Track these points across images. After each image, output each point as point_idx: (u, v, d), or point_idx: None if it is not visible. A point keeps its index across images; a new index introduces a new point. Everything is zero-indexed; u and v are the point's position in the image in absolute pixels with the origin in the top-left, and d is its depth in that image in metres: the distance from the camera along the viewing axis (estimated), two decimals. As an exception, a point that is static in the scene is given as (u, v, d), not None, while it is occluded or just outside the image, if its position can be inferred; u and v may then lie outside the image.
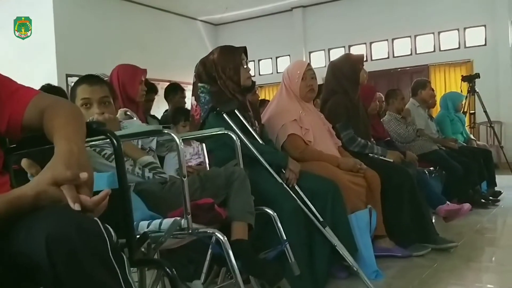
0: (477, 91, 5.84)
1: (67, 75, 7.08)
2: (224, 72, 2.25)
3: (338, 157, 2.57)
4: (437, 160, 3.99)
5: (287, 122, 2.51)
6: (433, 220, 3.18)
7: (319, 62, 9.46)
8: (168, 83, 4.49)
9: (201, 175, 1.79)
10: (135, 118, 2.10)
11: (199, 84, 2.25)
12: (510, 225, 3.58)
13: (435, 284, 2.21)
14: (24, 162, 1.83)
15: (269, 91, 9.94)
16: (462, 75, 6.33)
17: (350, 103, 2.95)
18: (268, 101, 7.45)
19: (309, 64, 2.67)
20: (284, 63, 9.86)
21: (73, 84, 1.86)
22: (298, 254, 1.95)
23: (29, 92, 1.15)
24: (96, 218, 0.86)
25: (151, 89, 3.70)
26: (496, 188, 4.67)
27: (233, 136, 1.93)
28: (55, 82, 6.71)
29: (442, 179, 4.04)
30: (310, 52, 9.57)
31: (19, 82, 1.15)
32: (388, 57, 8.85)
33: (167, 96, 4.19)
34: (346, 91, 2.97)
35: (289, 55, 9.74)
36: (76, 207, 0.83)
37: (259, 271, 1.67)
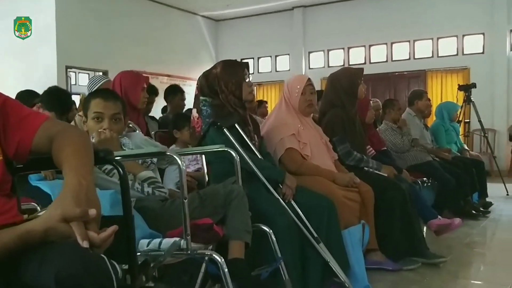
0: (473, 100, 5.90)
1: (67, 67, 7.08)
2: (226, 86, 2.28)
3: (334, 172, 2.61)
4: (430, 171, 4.04)
5: (285, 136, 2.54)
6: (424, 233, 3.25)
7: (318, 62, 9.48)
8: (166, 77, 4.45)
9: (201, 193, 1.83)
10: (137, 131, 2.13)
11: (201, 98, 2.28)
12: (499, 238, 3.66)
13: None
14: None
15: (267, 89, 9.95)
16: (458, 84, 6.39)
17: (346, 116, 2.99)
18: (266, 102, 7.48)
19: (309, 79, 2.70)
20: (283, 62, 9.87)
21: (87, 95, 1.91)
22: (292, 270, 1.99)
23: (39, 118, 1.17)
24: (103, 255, 0.91)
25: (152, 91, 3.73)
26: (487, 199, 4.75)
27: (232, 153, 1.97)
28: (54, 73, 6.73)
29: (435, 189, 4.10)
30: (309, 52, 9.58)
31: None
32: (386, 61, 8.90)
33: (166, 97, 4.21)
34: (343, 105, 3.02)
35: (288, 54, 9.74)
36: (85, 244, 0.87)
37: (254, 291, 1.71)
